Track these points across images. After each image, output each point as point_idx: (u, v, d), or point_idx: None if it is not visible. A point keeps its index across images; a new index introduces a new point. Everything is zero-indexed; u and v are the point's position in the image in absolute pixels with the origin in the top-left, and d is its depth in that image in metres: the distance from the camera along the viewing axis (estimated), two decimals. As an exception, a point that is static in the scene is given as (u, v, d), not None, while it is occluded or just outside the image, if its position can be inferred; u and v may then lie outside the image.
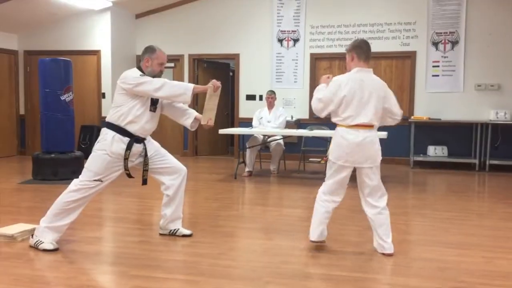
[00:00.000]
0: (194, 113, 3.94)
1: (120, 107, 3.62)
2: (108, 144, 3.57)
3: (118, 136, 3.59)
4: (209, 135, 10.08)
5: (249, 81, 9.64)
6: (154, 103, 3.72)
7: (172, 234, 3.96)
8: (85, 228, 4.19)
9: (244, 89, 9.66)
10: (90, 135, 9.24)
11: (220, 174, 7.72)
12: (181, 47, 9.79)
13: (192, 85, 3.65)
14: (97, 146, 3.64)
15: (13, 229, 3.88)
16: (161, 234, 4.00)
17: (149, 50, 3.75)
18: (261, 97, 9.37)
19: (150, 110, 3.69)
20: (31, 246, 3.60)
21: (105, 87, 9.41)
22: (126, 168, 3.63)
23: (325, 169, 3.62)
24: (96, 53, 9.40)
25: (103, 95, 9.45)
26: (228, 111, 10.73)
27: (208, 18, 9.73)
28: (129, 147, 3.59)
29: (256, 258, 3.49)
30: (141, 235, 4.08)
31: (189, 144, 10.02)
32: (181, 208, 3.98)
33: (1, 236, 3.79)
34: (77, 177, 3.63)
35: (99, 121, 9.42)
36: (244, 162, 7.56)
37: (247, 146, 7.50)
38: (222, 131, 7.38)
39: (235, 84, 9.88)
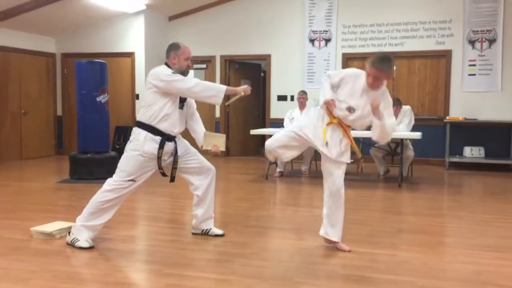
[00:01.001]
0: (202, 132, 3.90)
1: (151, 106, 3.65)
2: (140, 144, 3.62)
3: (150, 135, 3.63)
4: (241, 136, 10.13)
5: (280, 81, 9.63)
6: (182, 100, 3.75)
7: (204, 234, 4.00)
8: (119, 226, 4.28)
9: (275, 89, 9.66)
10: (124, 135, 9.42)
11: (251, 174, 7.74)
12: (213, 48, 9.87)
13: (224, 87, 3.62)
14: (129, 146, 3.69)
15: (51, 226, 3.99)
16: (193, 234, 4.04)
17: (174, 47, 3.77)
18: (292, 98, 9.34)
19: (179, 108, 3.73)
20: (68, 244, 3.69)
21: (139, 88, 9.57)
22: (159, 167, 3.67)
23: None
24: (130, 55, 9.58)
25: (137, 96, 9.62)
26: (259, 112, 10.75)
27: (240, 19, 9.77)
28: (161, 145, 3.63)
29: (288, 259, 3.48)
30: (173, 234, 4.13)
31: (221, 145, 10.06)
32: (212, 208, 4.00)
33: (40, 234, 3.90)
34: (112, 176, 3.70)
35: (133, 122, 9.57)
36: (275, 162, 7.55)
37: (279, 147, 7.48)
38: (253, 132, 7.39)
39: (266, 84, 9.89)
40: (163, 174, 3.73)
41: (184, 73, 3.75)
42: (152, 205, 5.43)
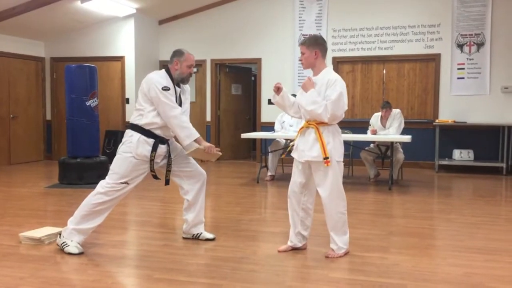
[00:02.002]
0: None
1: (143, 109, 3.66)
2: (133, 147, 3.61)
3: (143, 137, 3.63)
4: (231, 140, 10.12)
5: (271, 85, 9.54)
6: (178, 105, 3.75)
7: (195, 238, 3.98)
8: (110, 231, 4.25)
9: (266, 93, 9.67)
10: (114, 140, 9.38)
11: (242, 178, 7.74)
12: (204, 52, 9.86)
13: (197, 135, 3.67)
14: (122, 148, 3.68)
15: (40, 232, 3.96)
16: (184, 238, 4.03)
17: (178, 53, 3.78)
18: (283, 101, 9.35)
19: None
20: (57, 245, 3.66)
21: (129, 92, 9.53)
22: (152, 169, 3.66)
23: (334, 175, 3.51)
24: (120, 59, 9.55)
25: (127, 101, 9.58)
26: (250, 116, 10.75)
27: (230, 24, 9.78)
28: (154, 148, 3.63)
29: (279, 262, 3.48)
30: (164, 238, 4.11)
31: (212, 149, 10.05)
32: (203, 213, 4.00)
33: (28, 239, 3.87)
34: (104, 179, 3.68)
35: (123, 126, 9.54)
36: (266, 166, 7.55)
37: (269, 150, 7.50)
38: (244, 136, 7.39)
39: (257, 88, 9.90)
40: (155, 177, 3.72)
41: (185, 80, 3.77)
42: (143, 210, 5.40)
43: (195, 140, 3.67)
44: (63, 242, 3.63)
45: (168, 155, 3.74)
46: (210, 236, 4.00)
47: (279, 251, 3.70)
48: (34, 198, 5.94)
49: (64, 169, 6.82)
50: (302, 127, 3.62)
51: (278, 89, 3.75)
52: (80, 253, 3.57)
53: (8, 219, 4.77)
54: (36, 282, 3.04)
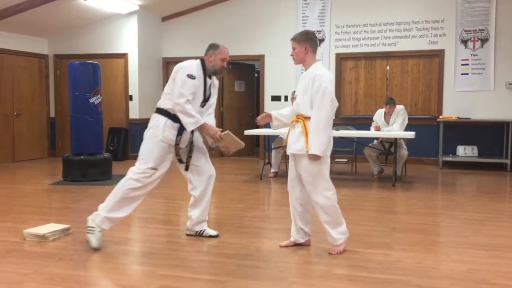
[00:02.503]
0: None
1: (171, 93, 3.69)
2: (160, 130, 3.67)
3: (169, 121, 3.68)
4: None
5: (274, 81, 9.64)
6: (205, 100, 3.80)
7: (198, 235, 3.99)
8: (114, 228, 4.24)
9: (269, 89, 9.66)
10: (118, 137, 9.39)
11: (245, 175, 7.74)
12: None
13: (202, 122, 3.67)
14: (149, 132, 3.73)
15: (44, 229, 3.97)
16: (187, 235, 4.03)
17: (213, 46, 3.83)
18: (286, 98, 9.35)
19: (200, 106, 3.77)
20: (87, 222, 3.66)
21: (132, 89, 9.54)
22: (177, 153, 3.72)
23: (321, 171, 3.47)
24: (124, 56, 9.55)
25: (131, 98, 9.58)
26: (253, 112, 10.74)
27: (233, 20, 9.76)
28: (180, 132, 3.68)
29: (282, 259, 3.49)
30: (168, 235, 4.12)
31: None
32: (207, 211, 4.01)
33: (33, 236, 3.88)
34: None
35: (126, 123, 9.55)
36: (269, 163, 7.55)
37: (273, 147, 7.50)
38: (247, 132, 7.39)
39: (260, 85, 9.89)
40: (180, 161, 3.78)
41: (217, 72, 3.83)
42: (147, 207, 5.40)
43: (201, 126, 3.68)
44: (92, 227, 3.64)
45: (191, 142, 3.78)
46: (213, 233, 4.00)
47: (280, 246, 3.70)
48: (38, 195, 5.96)
49: (68, 166, 6.84)
50: (292, 121, 3.61)
51: (265, 120, 3.78)
52: (96, 249, 3.59)
53: (12, 215, 4.79)
54: (40, 279, 3.05)
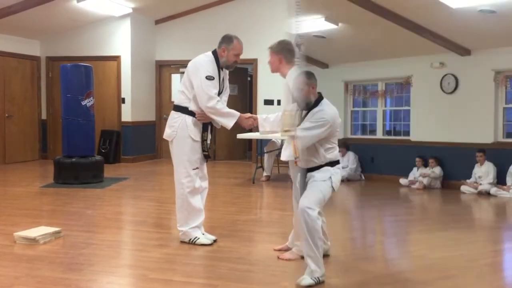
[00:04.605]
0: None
1: (189, 94, 3.73)
2: (190, 129, 3.71)
3: (194, 119, 3.73)
4: (227, 140, 10.12)
5: (267, 86, 9.64)
6: (219, 92, 3.82)
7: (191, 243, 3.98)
8: (105, 231, 4.24)
9: (262, 94, 9.67)
10: (110, 139, 9.33)
11: (238, 178, 7.74)
12: (199, 52, 9.53)
13: (238, 115, 3.76)
14: (178, 134, 3.72)
15: (35, 232, 3.94)
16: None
17: (226, 39, 3.82)
18: (279, 102, 9.36)
19: None
20: (187, 242, 3.79)
21: (125, 92, 9.49)
22: (204, 149, 3.78)
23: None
24: (116, 58, 9.52)
25: (123, 100, 9.54)
26: (246, 116, 10.74)
27: (226, 24, 9.74)
28: (205, 129, 3.75)
29: (275, 263, 3.49)
30: (159, 238, 4.11)
31: (208, 149, 10.05)
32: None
33: (23, 239, 3.85)
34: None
35: (119, 126, 9.50)
36: (262, 166, 7.57)
37: (265, 151, 7.51)
38: (240, 136, 7.38)
39: (253, 89, 9.90)
40: (207, 156, 3.85)
41: (229, 67, 3.87)
42: (138, 210, 5.40)
43: (238, 118, 3.74)
44: (192, 239, 3.77)
45: (212, 133, 3.87)
46: (207, 241, 3.99)
47: (274, 250, 3.70)
48: (29, 198, 5.92)
49: (59, 168, 6.79)
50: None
51: (248, 121, 3.83)
52: (213, 242, 3.79)
53: (3, 218, 4.75)
54: (31, 282, 3.03)
